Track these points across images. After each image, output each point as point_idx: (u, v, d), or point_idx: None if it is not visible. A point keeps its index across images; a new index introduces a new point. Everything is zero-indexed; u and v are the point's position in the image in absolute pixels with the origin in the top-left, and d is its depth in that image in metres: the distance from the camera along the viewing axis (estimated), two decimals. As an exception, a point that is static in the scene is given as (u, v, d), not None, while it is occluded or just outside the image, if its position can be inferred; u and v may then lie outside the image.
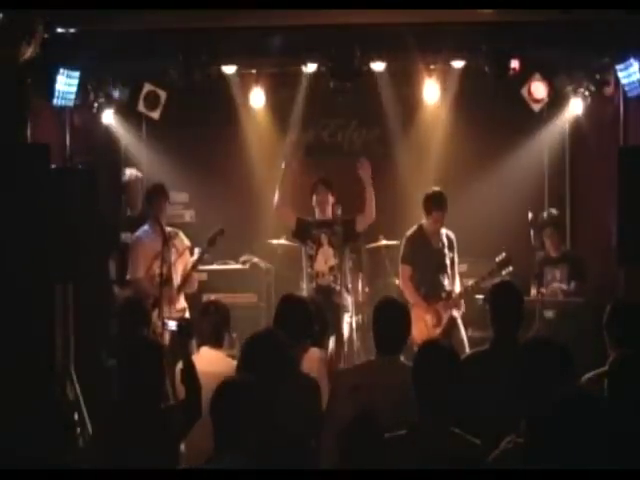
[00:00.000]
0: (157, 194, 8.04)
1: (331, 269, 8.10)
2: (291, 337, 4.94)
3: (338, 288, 8.01)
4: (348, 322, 8.10)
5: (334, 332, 7.71)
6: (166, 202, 8.07)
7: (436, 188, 8.16)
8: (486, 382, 4.72)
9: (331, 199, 8.19)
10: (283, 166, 8.16)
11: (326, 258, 8.09)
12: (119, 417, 4.55)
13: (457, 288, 8.13)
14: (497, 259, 7.99)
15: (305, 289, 8.18)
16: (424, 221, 8.10)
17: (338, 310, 7.87)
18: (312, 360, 5.34)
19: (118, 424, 4.52)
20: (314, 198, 8.22)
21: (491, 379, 4.73)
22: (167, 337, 7.21)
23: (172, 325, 7.00)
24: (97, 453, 4.62)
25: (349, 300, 8.18)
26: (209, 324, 5.88)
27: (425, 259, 8.02)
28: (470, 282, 8.14)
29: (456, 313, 8.03)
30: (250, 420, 3.71)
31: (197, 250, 8.23)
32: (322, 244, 8.10)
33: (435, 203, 8.01)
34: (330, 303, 7.77)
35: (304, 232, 8.21)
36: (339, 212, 7.99)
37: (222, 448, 3.71)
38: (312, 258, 8.16)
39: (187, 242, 8.17)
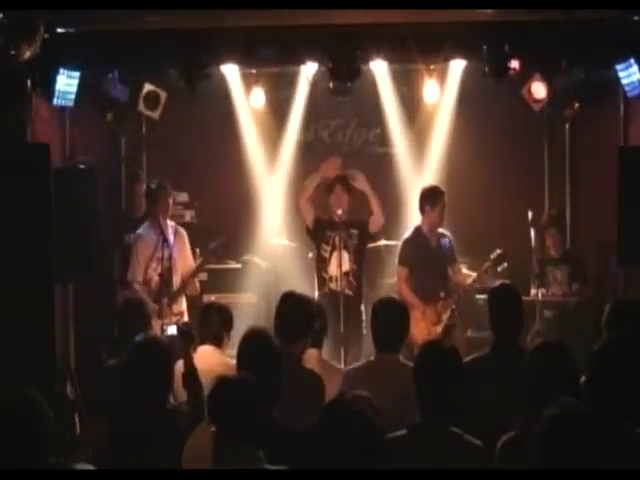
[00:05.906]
0: (159, 192, 7.95)
1: (346, 274, 7.73)
2: (292, 335, 4.97)
3: (352, 294, 7.73)
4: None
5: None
6: (168, 200, 7.94)
7: (431, 183, 8.12)
8: (487, 385, 4.72)
9: (347, 199, 7.86)
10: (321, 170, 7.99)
11: (340, 262, 7.65)
12: (124, 416, 4.54)
13: (468, 280, 7.99)
14: (492, 256, 7.90)
15: (314, 295, 7.83)
16: (421, 222, 7.97)
17: (352, 319, 7.51)
18: (310, 360, 5.34)
19: (123, 424, 4.51)
20: (331, 197, 7.90)
21: (492, 382, 4.73)
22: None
23: (172, 330, 6.98)
24: (98, 453, 4.61)
25: (363, 309, 7.76)
26: (211, 324, 5.89)
27: (424, 260, 7.87)
28: (468, 281, 8.10)
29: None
30: (250, 418, 3.69)
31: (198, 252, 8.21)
32: (336, 247, 7.71)
33: (435, 198, 7.86)
34: (344, 310, 7.39)
35: (319, 233, 7.91)
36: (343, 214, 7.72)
37: (227, 448, 3.69)
38: (326, 261, 7.83)
39: (184, 233, 8.04)
